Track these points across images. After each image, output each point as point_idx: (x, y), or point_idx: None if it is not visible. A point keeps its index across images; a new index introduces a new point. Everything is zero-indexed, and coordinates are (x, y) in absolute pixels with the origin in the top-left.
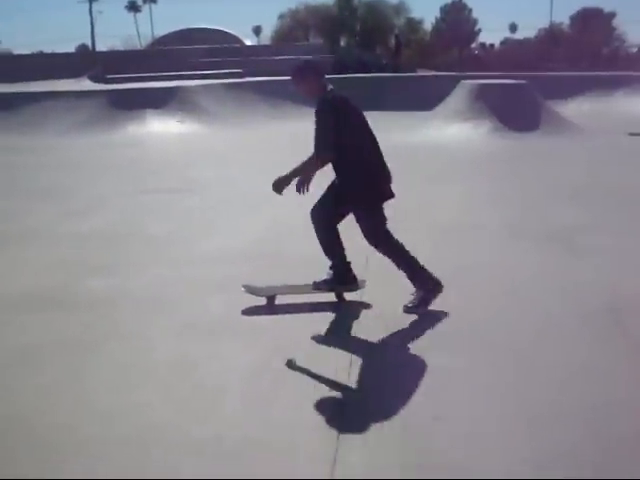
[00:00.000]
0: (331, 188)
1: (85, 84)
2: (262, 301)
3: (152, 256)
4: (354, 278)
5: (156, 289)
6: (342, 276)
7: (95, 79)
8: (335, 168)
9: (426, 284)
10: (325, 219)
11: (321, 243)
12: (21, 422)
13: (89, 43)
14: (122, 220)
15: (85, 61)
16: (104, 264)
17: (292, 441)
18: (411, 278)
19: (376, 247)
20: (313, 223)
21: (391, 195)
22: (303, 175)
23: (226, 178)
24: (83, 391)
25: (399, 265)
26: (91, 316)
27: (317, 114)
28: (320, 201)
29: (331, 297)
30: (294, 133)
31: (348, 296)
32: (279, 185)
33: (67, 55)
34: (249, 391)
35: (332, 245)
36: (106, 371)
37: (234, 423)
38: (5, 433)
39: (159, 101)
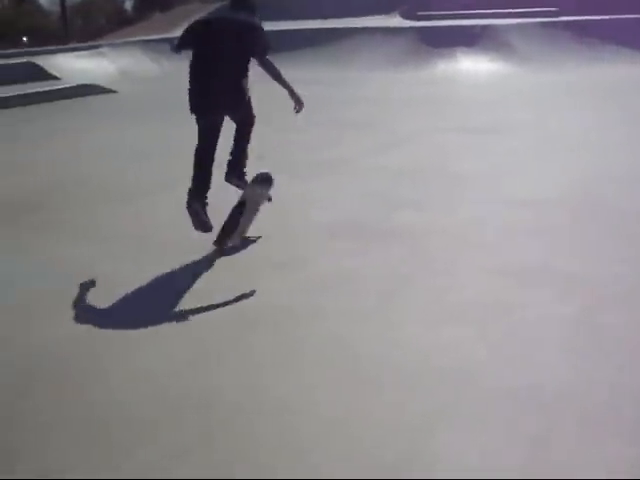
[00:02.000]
0: None
1: (395, 20)
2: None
3: (460, 194)
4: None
5: (467, 228)
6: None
7: (406, 16)
8: None
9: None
10: None
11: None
12: (333, 348)
13: None
14: (429, 156)
15: None
16: (412, 198)
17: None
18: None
19: None
20: None
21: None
22: None
23: (535, 121)
24: (392, 321)
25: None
26: (404, 249)
27: None
28: None
29: None
30: (613, 81)
31: None
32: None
33: None
34: (567, 343)
35: None
36: (416, 304)
37: (551, 375)
38: (317, 354)
39: (470, 39)
